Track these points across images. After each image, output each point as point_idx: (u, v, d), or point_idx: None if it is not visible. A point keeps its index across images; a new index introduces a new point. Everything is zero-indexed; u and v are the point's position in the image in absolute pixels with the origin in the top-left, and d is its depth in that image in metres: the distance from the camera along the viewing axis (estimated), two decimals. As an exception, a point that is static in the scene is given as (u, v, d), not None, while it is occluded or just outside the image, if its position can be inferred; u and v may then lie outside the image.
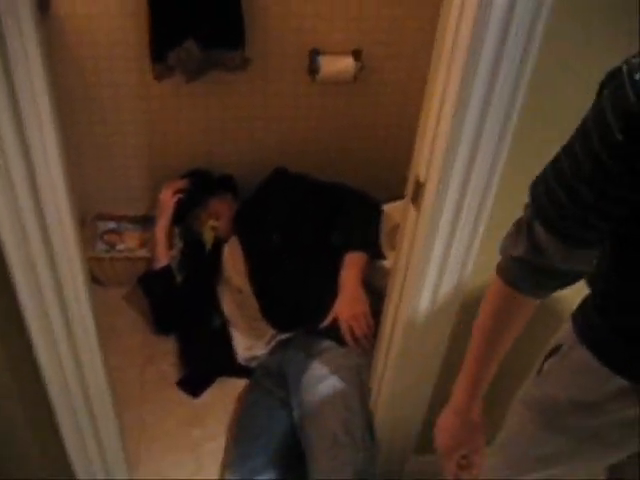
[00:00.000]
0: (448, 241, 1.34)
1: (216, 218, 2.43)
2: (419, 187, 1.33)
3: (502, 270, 1.07)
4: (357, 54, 2.49)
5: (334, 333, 1.97)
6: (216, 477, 1.97)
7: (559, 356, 1.16)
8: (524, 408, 1.24)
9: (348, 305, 2.02)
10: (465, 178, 1.25)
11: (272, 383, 2.05)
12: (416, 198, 1.36)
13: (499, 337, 1.12)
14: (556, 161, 0.94)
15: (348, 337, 1.95)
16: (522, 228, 1.01)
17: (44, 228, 1.22)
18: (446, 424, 1.23)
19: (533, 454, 1.23)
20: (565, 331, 1.16)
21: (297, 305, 2.13)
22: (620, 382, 1.07)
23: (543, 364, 1.19)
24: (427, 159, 1.28)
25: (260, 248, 2.27)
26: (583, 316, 1.13)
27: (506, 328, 1.11)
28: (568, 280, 1.04)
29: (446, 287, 1.44)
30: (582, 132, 0.88)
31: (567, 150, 0.92)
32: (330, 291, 2.09)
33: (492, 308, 1.11)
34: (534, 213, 0.97)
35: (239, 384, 2.18)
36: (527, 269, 1.02)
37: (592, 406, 1.11)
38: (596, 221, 0.91)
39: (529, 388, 1.24)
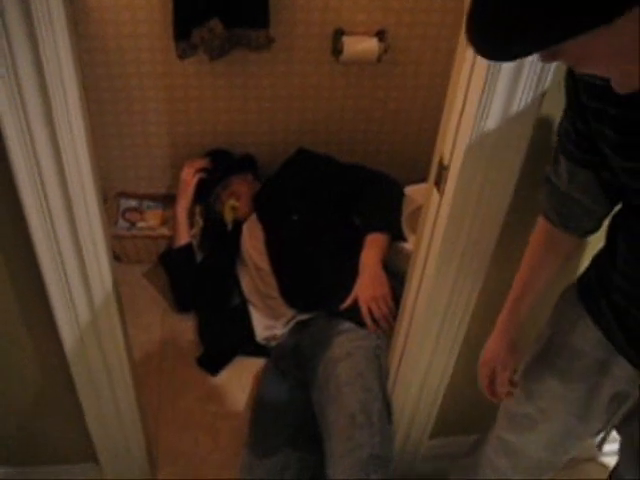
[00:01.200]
0: (471, 225, 1.33)
1: (237, 198, 2.43)
2: (442, 170, 1.32)
3: (540, 203, 1.22)
4: (381, 35, 2.46)
5: (354, 314, 1.97)
6: (232, 455, 1.99)
7: (561, 300, 1.32)
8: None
9: (369, 287, 2.02)
10: (490, 162, 1.24)
11: (290, 363, 2.06)
12: (439, 181, 1.35)
13: (538, 268, 1.25)
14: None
15: (368, 319, 1.95)
16: (552, 158, 1.16)
17: (69, 205, 1.23)
18: (490, 340, 1.36)
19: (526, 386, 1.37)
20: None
21: (316, 286, 2.13)
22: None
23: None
24: (451, 142, 1.27)
25: (280, 228, 2.27)
26: (585, 273, 1.26)
27: (543, 262, 1.25)
28: (578, 211, 1.15)
29: (467, 271, 1.43)
30: None
31: None
32: (350, 272, 2.08)
33: (533, 239, 1.26)
34: (557, 145, 1.13)
35: (257, 363, 2.19)
36: (548, 191, 1.18)
37: (578, 352, 1.26)
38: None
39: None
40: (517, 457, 1.49)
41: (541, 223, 1.23)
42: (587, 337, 1.23)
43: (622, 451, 1.38)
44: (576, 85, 1.00)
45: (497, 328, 1.34)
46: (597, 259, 1.23)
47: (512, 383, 1.34)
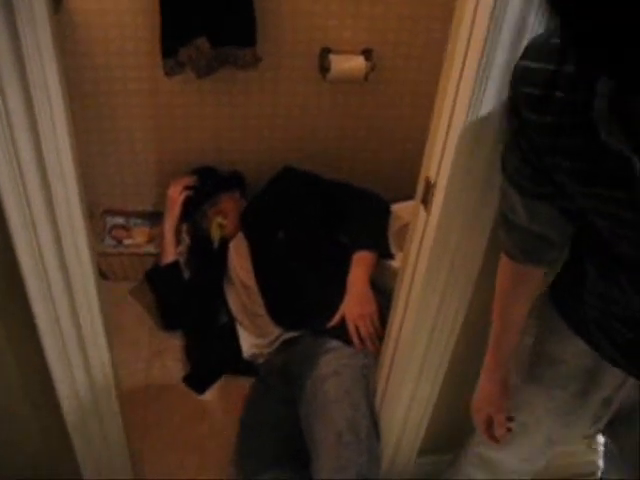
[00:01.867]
0: (458, 243, 1.33)
1: (224, 216, 2.42)
2: (429, 188, 1.33)
3: (501, 242, 1.18)
4: (368, 53, 2.48)
5: (341, 332, 1.97)
6: (220, 475, 1.97)
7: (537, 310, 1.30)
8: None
9: (356, 305, 2.02)
10: (476, 180, 1.25)
11: (277, 381, 2.05)
12: (426, 199, 1.35)
13: (512, 304, 1.23)
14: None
15: (355, 337, 1.94)
16: (503, 196, 1.12)
17: (54, 221, 1.22)
18: (480, 387, 1.36)
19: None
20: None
21: (303, 304, 2.12)
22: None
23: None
24: (438, 160, 1.27)
25: (266, 246, 2.27)
26: (557, 287, 1.25)
27: (514, 297, 1.23)
28: (542, 245, 1.12)
29: (454, 288, 1.43)
30: None
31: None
32: (337, 290, 2.08)
33: (500, 278, 1.23)
34: (507, 180, 1.08)
35: (244, 382, 2.17)
36: (507, 229, 1.14)
37: (557, 360, 1.26)
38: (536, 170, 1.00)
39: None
40: (496, 471, 1.50)
41: (504, 261, 1.20)
42: (568, 347, 1.23)
43: (606, 454, 1.39)
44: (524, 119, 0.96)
45: (485, 372, 1.34)
46: (564, 274, 1.22)
47: (510, 419, 1.35)
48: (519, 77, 0.94)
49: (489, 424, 1.36)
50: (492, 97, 1.14)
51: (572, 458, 1.53)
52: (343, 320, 1.99)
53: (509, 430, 1.35)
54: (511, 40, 1.08)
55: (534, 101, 0.90)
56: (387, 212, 2.34)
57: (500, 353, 1.29)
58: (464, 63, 1.15)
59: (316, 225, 2.31)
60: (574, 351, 1.22)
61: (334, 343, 1.96)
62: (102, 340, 1.48)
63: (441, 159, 1.26)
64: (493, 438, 1.37)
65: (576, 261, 1.16)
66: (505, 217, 1.13)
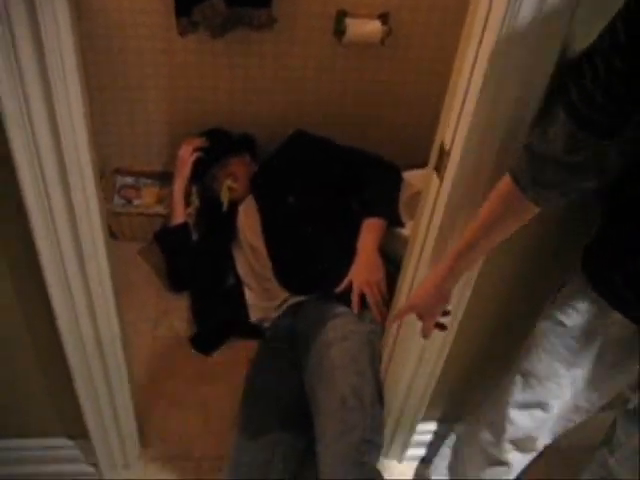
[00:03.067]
0: (470, 211, 1.32)
1: (234, 179, 2.41)
2: (443, 155, 1.31)
3: (510, 164, 1.13)
4: (384, 17, 2.44)
5: (348, 298, 1.97)
6: (224, 435, 1.99)
7: (568, 283, 1.29)
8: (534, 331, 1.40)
9: (364, 271, 2.02)
10: (491, 149, 1.23)
11: (283, 344, 2.06)
12: (439, 166, 1.34)
13: (489, 230, 1.20)
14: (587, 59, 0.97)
15: (355, 302, 1.95)
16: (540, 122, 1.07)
17: (65, 180, 1.22)
18: (422, 286, 1.39)
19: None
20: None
21: (310, 269, 2.12)
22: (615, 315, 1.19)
23: (556, 294, 1.33)
24: (454, 126, 1.26)
25: (276, 210, 2.26)
26: (588, 251, 1.23)
27: (497, 223, 1.19)
28: (561, 181, 1.06)
29: (464, 258, 1.42)
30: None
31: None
32: (346, 256, 2.08)
33: (492, 198, 1.17)
34: (563, 106, 1.00)
35: (250, 345, 2.18)
36: (529, 156, 1.07)
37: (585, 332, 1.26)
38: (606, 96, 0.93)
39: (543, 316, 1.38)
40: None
41: (505, 186, 1.13)
42: (601, 319, 1.23)
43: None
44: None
45: (431, 279, 1.35)
46: (600, 243, 1.20)
47: (445, 313, 1.42)
48: None
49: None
50: (512, 63, 1.12)
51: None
52: (351, 286, 1.99)
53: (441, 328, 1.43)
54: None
55: None
56: (399, 180, 2.33)
57: (455, 272, 1.30)
58: (484, 28, 1.13)
59: (327, 190, 2.29)
60: (602, 322, 1.22)
61: (341, 308, 1.96)
62: (110, 298, 1.48)
63: (456, 126, 1.25)
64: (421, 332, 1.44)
65: (613, 224, 1.15)
66: (535, 147, 1.06)
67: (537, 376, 1.40)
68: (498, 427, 1.55)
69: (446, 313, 1.41)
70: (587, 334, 1.27)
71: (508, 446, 1.56)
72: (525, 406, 1.46)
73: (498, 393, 1.54)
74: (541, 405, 1.43)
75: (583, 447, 1.60)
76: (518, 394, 1.46)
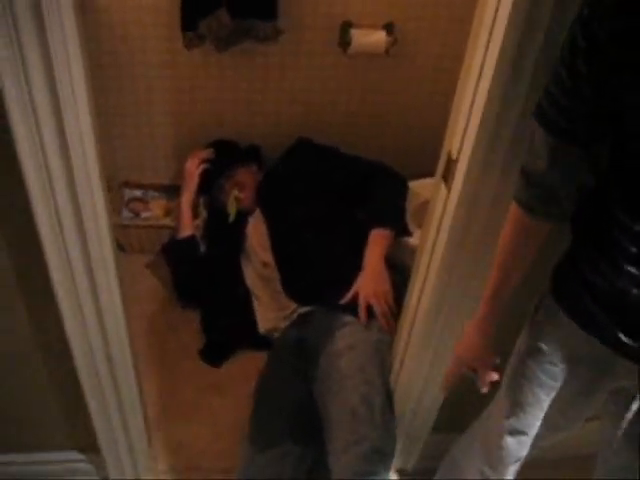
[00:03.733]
0: (479, 220, 1.32)
1: (240, 189, 2.41)
2: (451, 164, 1.31)
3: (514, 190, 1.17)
4: (389, 28, 2.45)
5: (355, 308, 1.97)
6: (234, 447, 1.99)
7: (540, 308, 1.28)
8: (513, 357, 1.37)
9: (370, 283, 2.02)
10: (498, 157, 1.23)
11: (291, 355, 2.05)
12: (447, 176, 1.34)
13: (514, 259, 1.22)
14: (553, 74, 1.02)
15: (362, 313, 1.94)
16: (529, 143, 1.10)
17: (74, 193, 1.22)
18: (465, 336, 1.36)
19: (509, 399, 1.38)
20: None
21: (318, 279, 2.12)
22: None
23: (531, 320, 1.31)
24: (461, 135, 1.26)
25: (282, 220, 2.26)
26: (559, 269, 1.22)
27: (520, 250, 1.21)
28: (556, 195, 1.10)
29: (474, 266, 1.42)
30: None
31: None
32: (353, 267, 2.08)
33: (506, 230, 1.21)
34: (537, 119, 1.05)
35: (260, 356, 2.18)
36: (524, 179, 1.12)
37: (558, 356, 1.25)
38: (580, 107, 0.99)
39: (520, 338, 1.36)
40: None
41: (515, 214, 1.17)
42: (573, 340, 1.21)
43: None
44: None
45: (475, 325, 1.32)
46: (576, 255, 1.20)
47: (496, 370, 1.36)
48: None
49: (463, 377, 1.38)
50: (518, 72, 1.12)
51: (573, 439, 1.54)
52: (357, 296, 1.99)
53: (493, 383, 1.36)
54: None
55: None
56: (405, 189, 2.33)
57: (497, 303, 1.28)
58: (490, 38, 1.13)
59: (332, 200, 2.30)
60: (581, 345, 1.20)
61: (348, 318, 1.96)
62: (119, 311, 1.48)
63: (464, 135, 1.25)
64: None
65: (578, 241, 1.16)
66: (526, 166, 1.11)
67: (521, 404, 1.38)
68: (490, 451, 1.53)
69: (497, 369, 1.36)
70: (563, 357, 1.26)
71: (499, 466, 1.55)
72: (513, 432, 1.45)
73: (487, 418, 1.54)
74: (526, 431, 1.43)
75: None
76: (506, 421, 1.46)
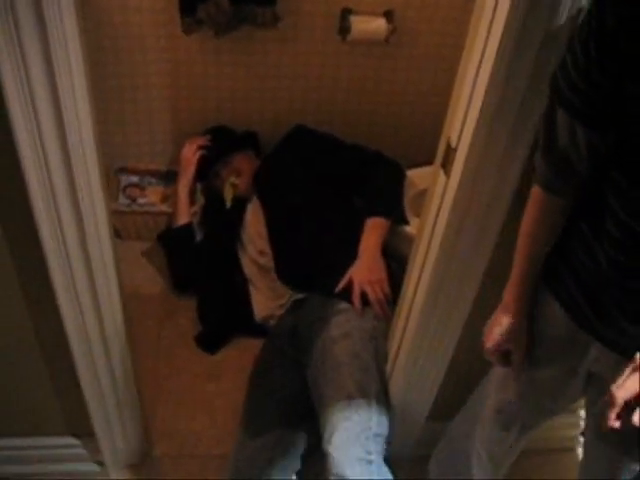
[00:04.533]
0: (477, 208, 1.32)
1: (237, 175, 2.41)
2: (450, 152, 1.31)
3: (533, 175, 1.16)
4: (389, 15, 2.44)
5: (350, 296, 1.97)
6: (229, 433, 1.99)
7: None
8: None
9: (365, 270, 2.02)
10: (498, 145, 1.23)
11: (286, 342, 2.06)
12: (446, 163, 1.33)
13: (535, 238, 1.20)
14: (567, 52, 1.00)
15: (356, 300, 1.94)
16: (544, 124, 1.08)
17: (71, 179, 1.22)
18: (495, 322, 1.30)
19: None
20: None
21: (313, 265, 2.12)
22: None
23: None
24: (460, 123, 1.26)
25: (278, 206, 2.26)
26: (551, 252, 1.22)
27: (540, 229, 1.19)
28: (573, 171, 1.08)
29: (472, 255, 1.42)
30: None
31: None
32: (348, 254, 2.08)
33: (527, 211, 1.19)
34: (554, 98, 1.03)
35: (255, 343, 2.18)
36: (543, 156, 1.10)
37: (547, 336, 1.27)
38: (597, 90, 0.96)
39: None
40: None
41: (533, 192, 1.17)
42: (556, 323, 1.23)
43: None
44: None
45: (507, 307, 1.28)
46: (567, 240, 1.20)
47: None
48: None
49: (506, 359, 1.33)
50: (519, 59, 1.12)
51: (553, 431, 1.56)
52: (351, 284, 1.99)
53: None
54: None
55: None
56: (402, 177, 2.32)
57: (523, 289, 1.25)
58: (491, 25, 1.12)
59: (329, 187, 2.29)
60: (562, 326, 1.21)
61: (343, 305, 1.96)
62: (116, 298, 1.49)
63: (463, 123, 1.25)
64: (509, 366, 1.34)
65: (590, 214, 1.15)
66: (545, 140, 1.09)
67: (509, 381, 1.39)
68: (483, 430, 1.54)
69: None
70: (546, 338, 1.27)
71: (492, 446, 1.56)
72: (502, 411, 1.46)
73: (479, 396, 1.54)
74: (513, 413, 1.43)
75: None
76: (490, 432, 1.47)
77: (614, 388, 0.87)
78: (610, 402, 0.87)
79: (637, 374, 0.85)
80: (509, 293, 1.27)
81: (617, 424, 0.88)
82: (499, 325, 1.29)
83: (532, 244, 1.21)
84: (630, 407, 0.85)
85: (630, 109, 0.91)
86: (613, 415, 0.87)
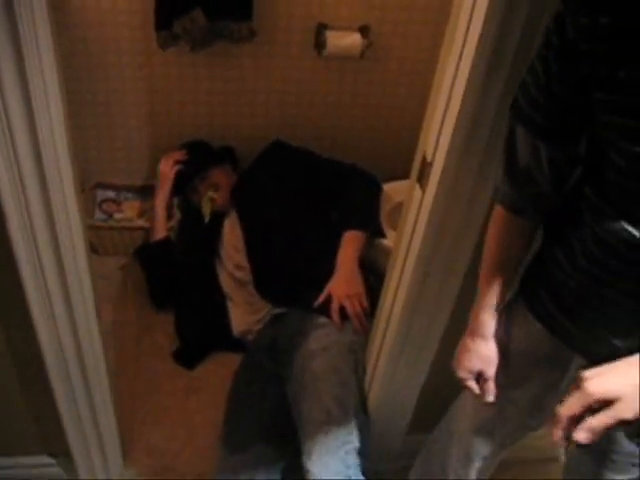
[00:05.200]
0: (453, 222, 1.33)
1: (215, 189, 2.40)
2: (425, 166, 1.32)
3: (495, 195, 1.16)
4: (364, 30, 2.46)
5: (329, 310, 1.97)
6: (208, 449, 1.98)
7: (508, 308, 1.26)
8: None
9: (342, 284, 2.02)
10: (473, 159, 1.24)
11: (265, 357, 2.05)
12: (422, 178, 1.35)
13: (500, 259, 1.20)
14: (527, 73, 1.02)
15: (335, 314, 1.95)
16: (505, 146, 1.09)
17: (46, 194, 1.21)
18: (463, 347, 1.29)
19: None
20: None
21: (291, 280, 2.12)
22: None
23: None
24: (435, 138, 1.27)
25: (256, 221, 2.26)
26: (528, 267, 1.23)
27: (503, 249, 1.19)
28: (543, 192, 1.09)
29: (448, 268, 1.43)
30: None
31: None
32: (326, 268, 2.08)
33: (491, 230, 1.20)
34: (514, 117, 1.05)
35: (234, 358, 2.17)
36: (506, 178, 1.10)
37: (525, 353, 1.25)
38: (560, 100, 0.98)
39: None
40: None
41: (494, 213, 1.18)
42: (535, 339, 1.23)
43: None
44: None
45: (471, 330, 1.27)
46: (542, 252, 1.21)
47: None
48: None
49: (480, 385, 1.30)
50: (493, 74, 1.13)
51: (537, 440, 1.56)
52: (330, 298, 1.99)
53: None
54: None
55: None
56: (379, 191, 2.34)
57: (489, 309, 1.23)
58: (465, 41, 1.14)
59: (307, 201, 2.30)
60: (539, 340, 1.21)
61: (322, 320, 1.96)
62: (92, 314, 1.47)
63: (438, 137, 1.26)
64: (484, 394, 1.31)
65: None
66: (507, 161, 1.09)
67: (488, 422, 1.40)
68: (460, 445, 1.54)
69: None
70: (525, 356, 1.27)
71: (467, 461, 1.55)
72: (480, 429, 1.46)
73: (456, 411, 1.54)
74: (491, 427, 1.43)
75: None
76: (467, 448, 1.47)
77: (558, 407, 0.89)
78: (554, 420, 0.89)
79: (578, 392, 0.87)
80: (475, 317, 1.26)
81: (563, 443, 0.89)
82: (467, 351, 1.28)
83: (495, 268, 1.21)
84: (575, 422, 0.87)
85: (599, 115, 0.93)
86: (559, 432, 0.88)
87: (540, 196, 1.10)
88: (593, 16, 0.86)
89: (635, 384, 0.84)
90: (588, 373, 0.86)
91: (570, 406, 0.86)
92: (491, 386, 1.29)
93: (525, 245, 1.20)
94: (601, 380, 0.86)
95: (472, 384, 1.31)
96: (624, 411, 0.82)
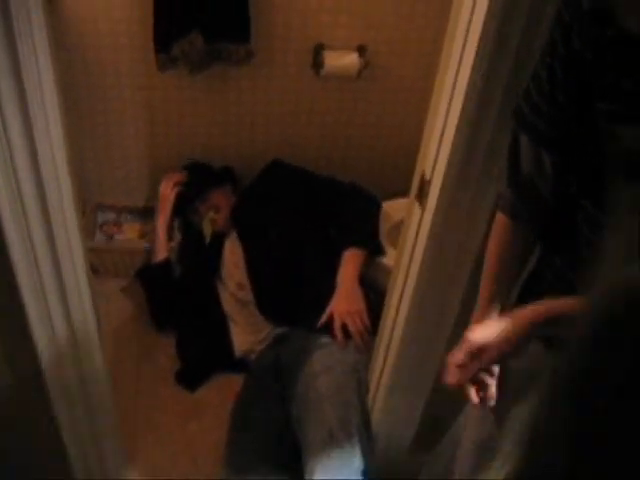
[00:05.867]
0: (453, 239, 1.33)
1: (215, 210, 2.41)
2: (424, 185, 1.33)
3: (500, 204, 1.17)
4: (362, 50, 2.48)
5: (331, 328, 1.97)
6: (212, 473, 1.96)
7: None
8: None
9: (343, 302, 2.02)
10: (472, 176, 1.25)
11: (268, 377, 2.05)
12: (421, 195, 1.35)
13: (500, 272, 1.20)
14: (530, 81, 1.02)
15: (338, 332, 1.95)
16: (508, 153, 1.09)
17: (46, 217, 1.21)
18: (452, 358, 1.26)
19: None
20: None
21: (293, 300, 2.12)
22: None
23: None
24: (434, 156, 1.27)
25: (257, 242, 2.26)
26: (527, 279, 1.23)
27: (504, 257, 1.19)
28: (539, 198, 1.09)
29: (449, 286, 1.43)
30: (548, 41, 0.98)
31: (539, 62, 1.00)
32: (327, 287, 2.08)
33: (490, 244, 1.19)
34: (517, 124, 1.05)
35: (236, 379, 2.16)
36: (509, 185, 1.11)
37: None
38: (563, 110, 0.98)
39: None
40: None
41: (496, 221, 1.17)
42: (532, 352, 1.21)
43: None
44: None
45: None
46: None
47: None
48: None
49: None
50: (488, 93, 1.14)
51: None
52: (332, 317, 1.99)
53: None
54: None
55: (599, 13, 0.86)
56: (378, 209, 2.34)
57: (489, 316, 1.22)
58: (461, 59, 1.15)
59: (306, 221, 2.30)
60: (531, 353, 1.18)
61: (325, 339, 1.96)
62: (93, 336, 1.47)
63: (437, 156, 1.27)
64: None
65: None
66: (510, 169, 1.10)
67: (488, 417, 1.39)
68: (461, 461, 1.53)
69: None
70: (525, 372, 1.26)
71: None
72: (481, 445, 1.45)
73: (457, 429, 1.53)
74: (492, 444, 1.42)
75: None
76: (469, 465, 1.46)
77: (468, 332, 1.00)
78: (461, 343, 1.01)
79: (461, 342, 0.98)
80: (474, 321, 1.24)
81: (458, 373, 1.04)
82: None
83: (495, 282, 1.20)
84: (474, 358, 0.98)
85: (601, 124, 0.93)
86: (448, 378, 1.02)
87: (540, 203, 1.10)
88: (600, 27, 0.87)
89: (500, 335, 0.98)
90: (472, 327, 1.00)
91: (455, 353, 1.01)
92: (492, 391, 1.27)
93: (524, 256, 1.19)
94: (477, 331, 1.00)
95: (472, 393, 1.29)
96: (489, 358, 1.00)
